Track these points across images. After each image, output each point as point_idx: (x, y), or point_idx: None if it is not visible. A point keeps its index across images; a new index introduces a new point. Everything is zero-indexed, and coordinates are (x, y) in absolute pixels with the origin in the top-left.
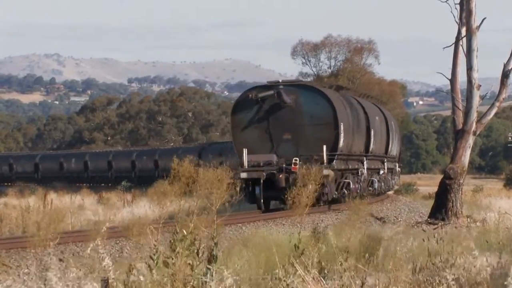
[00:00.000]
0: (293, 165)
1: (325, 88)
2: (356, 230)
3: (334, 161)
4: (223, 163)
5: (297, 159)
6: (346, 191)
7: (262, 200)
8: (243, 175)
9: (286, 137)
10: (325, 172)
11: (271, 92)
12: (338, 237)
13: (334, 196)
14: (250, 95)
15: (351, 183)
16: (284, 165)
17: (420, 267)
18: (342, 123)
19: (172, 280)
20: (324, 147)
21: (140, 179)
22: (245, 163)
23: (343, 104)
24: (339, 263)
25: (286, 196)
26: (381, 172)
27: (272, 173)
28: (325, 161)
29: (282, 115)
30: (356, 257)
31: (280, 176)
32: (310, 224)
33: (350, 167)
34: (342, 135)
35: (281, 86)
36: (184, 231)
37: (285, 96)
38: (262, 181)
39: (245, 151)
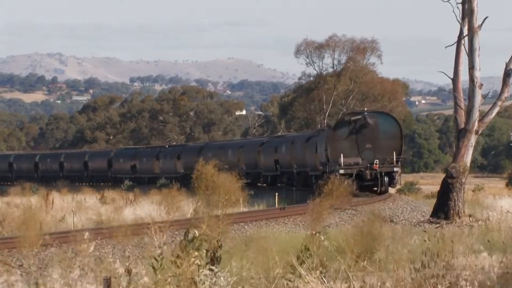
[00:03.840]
0: (374, 165)
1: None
2: (357, 230)
3: (399, 162)
4: (136, 166)
5: (377, 161)
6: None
7: (355, 188)
8: (341, 171)
9: (368, 146)
10: (395, 169)
11: (360, 116)
12: (339, 236)
13: (399, 185)
14: (346, 118)
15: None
16: (368, 165)
17: (421, 266)
18: (404, 137)
19: (178, 280)
20: (394, 153)
21: (43, 179)
22: (342, 164)
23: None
24: (339, 263)
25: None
26: None
27: (360, 170)
28: (395, 162)
29: (366, 132)
30: (357, 257)
31: (367, 172)
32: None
33: None
34: (404, 145)
35: (365, 113)
36: (196, 231)
37: (368, 119)
38: (354, 175)
39: (341, 155)
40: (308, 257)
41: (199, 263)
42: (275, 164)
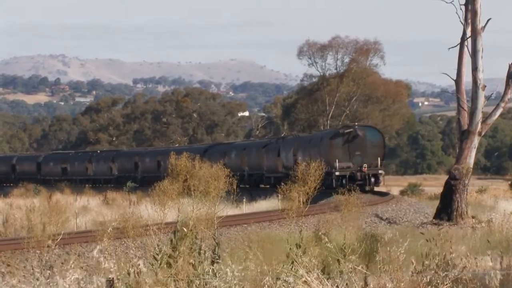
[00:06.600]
0: (363, 168)
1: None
2: (358, 231)
3: (382, 165)
4: (66, 169)
5: (366, 165)
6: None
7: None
8: (337, 173)
9: (357, 153)
10: (380, 171)
11: (351, 129)
12: (340, 237)
13: (383, 184)
14: (340, 131)
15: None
16: (359, 168)
17: (422, 268)
18: (386, 146)
19: (175, 280)
20: (379, 159)
21: None
22: (337, 167)
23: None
24: (340, 263)
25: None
26: None
27: (353, 172)
28: (379, 165)
29: (356, 141)
30: (358, 258)
31: (358, 174)
32: (315, 224)
33: None
34: (385, 153)
35: (356, 126)
36: (185, 229)
37: (358, 131)
38: (347, 177)
39: (337, 160)
40: (301, 256)
41: (193, 262)
42: None
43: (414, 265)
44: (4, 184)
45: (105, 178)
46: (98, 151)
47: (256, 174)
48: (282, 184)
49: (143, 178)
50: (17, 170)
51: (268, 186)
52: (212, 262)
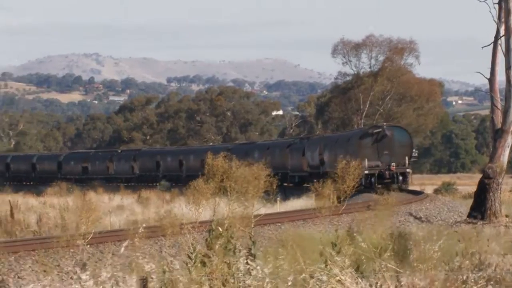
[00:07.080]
0: (392, 167)
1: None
2: (391, 229)
3: (410, 164)
4: (87, 168)
5: (394, 163)
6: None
7: (376, 185)
8: (366, 172)
9: (385, 152)
10: (408, 170)
11: (380, 129)
12: (373, 236)
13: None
14: (369, 131)
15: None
16: (387, 166)
17: (458, 266)
18: (413, 145)
19: (210, 279)
20: (406, 158)
21: (15, 179)
22: (366, 166)
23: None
24: (374, 262)
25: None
26: None
27: (381, 171)
28: (407, 164)
29: (384, 141)
30: (390, 256)
31: (386, 172)
32: (349, 223)
33: None
34: (413, 151)
35: (385, 126)
36: (220, 228)
37: (387, 131)
38: (376, 175)
39: (366, 159)
40: (336, 255)
41: (228, 261)
42: None
43: (448, 264)
44: (24, 183)
45: (127, 177)
46: (119, 151)
47: (280, 173)
48: (315, 181)
49: (164, 177)
50: (37, 169)
51: (292, 185)
52: (248, 262)
